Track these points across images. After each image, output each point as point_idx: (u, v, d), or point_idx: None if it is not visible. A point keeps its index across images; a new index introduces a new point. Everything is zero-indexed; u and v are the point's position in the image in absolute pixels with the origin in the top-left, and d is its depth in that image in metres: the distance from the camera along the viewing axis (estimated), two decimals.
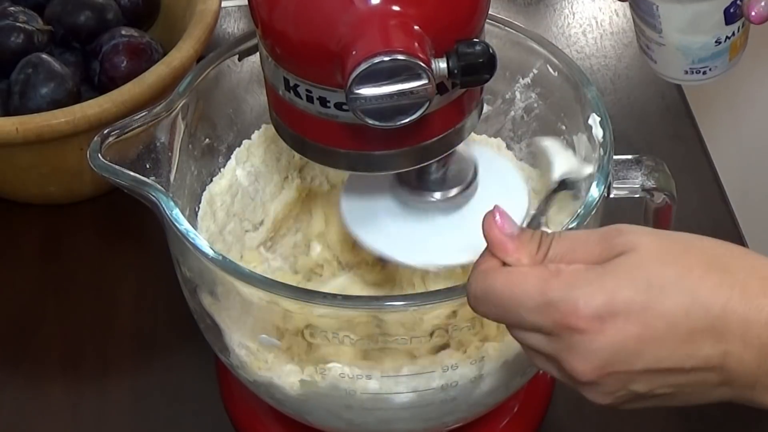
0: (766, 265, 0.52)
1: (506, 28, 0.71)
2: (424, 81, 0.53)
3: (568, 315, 0.50)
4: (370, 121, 0.54)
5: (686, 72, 0.73)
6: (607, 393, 0.52)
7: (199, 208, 0.72)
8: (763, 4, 0.69)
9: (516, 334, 0.53)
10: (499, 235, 0.53)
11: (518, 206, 0.65)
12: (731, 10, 0.69)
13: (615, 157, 0.65)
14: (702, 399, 0.53)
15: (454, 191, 0.63)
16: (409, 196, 0.64)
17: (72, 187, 0.88)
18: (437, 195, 0.63)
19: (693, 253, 0.51)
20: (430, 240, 0.64)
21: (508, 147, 0.76)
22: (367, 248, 0.65)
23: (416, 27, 0.54)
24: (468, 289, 0.54)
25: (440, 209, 0.64)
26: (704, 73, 0.73)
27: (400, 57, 0.52)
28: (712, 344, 0.50)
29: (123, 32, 0.90)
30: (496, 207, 0.54)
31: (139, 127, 0.65)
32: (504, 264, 0.53)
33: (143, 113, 0.66)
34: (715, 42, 0.71)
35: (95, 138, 0.64)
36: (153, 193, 0.63)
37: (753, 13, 0.69)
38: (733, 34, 0.71)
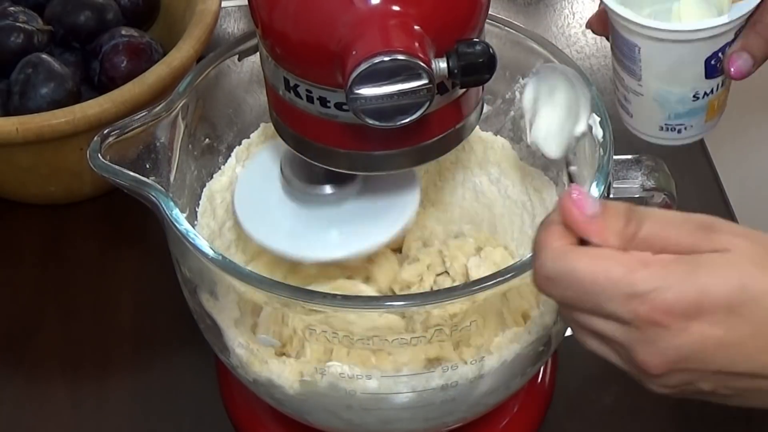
0: None
1: (506, 28, 0.71)
2: (425, 81, 0.53)
3: (655, 310, 0.48)
4: (371, 121, 0.54)
5: (661, 128, 0.72)
6: (671, 386, 0.51)
7: (199, 207, 0.72)
8: (743, 59, 0.67)
9: (583, 319, 0.51)
10: (579, 216, 0.50)
11: (407, 203, 0.65)
12: (712, 62, 0.68)
13: (615, 157, 0.65)
14: (760, 403, 0.52)
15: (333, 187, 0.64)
16: (298, 189, 0.64)
17: (72, 188, 0.88)
18: (326, 188, 0.64)
19: None
20: (313, 233, 0.65)
21: None
22: (257, 243, 0.65)
23: (416, 27, 0.54)
24: (539, 267, 0.51)
25: (328, 202, 0.64)
26: (679, 131, 0.72)
27: (400, 57, 0.52)
28: None
29: (123, 32, 0.90)
30: (572, 186, 0.52)
31: (139, 127, 0.65)
32: (582, 242, 0.51)
33: (143, 113, 0.66)
34: (693, 96, 0.70)
35: (95, 138, 0.64)
36: (153, 193, 0.63)
37: (732, 69, 0.67)
38: (712, 91, 0.70)
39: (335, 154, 0.58)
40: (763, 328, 0.49)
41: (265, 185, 0.66)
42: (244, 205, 0.67)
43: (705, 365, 0.50)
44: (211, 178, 0.73)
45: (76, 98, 0.86)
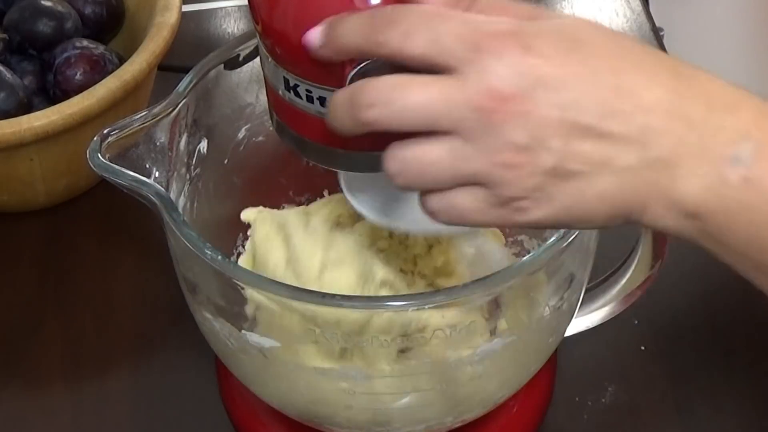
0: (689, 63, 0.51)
1: None
2: None
3: (492, 25, 0.48)
4: None
5: None
6: (516, 146, 0.48)
7: (198, 206, 0.72)
8: None
9: (406, 83, 0.49)
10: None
11: None
12: None
13: None
14: (611, 184, 0.49)
15: None
16: None
17: (25, 198, 0.88)
18: None
19: (625, 35, 0.51)
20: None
21: None
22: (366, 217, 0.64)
23: None
24: (383, 9, 0.50)
25: None
26: None
27: None
28: (633, 108, 0.48)
29: (77, 44, 0.89)
30: None
31: (138, 126, 0.65)
32: None
33: (143, 113, 0.66)
34: None
35: (95, 138, 0.64)
36: (153, 193, 0.63)
37: None
38: None
39: (335, 154, 0.58)
40: (600, 73, 0.48)
41: None
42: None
43: (550, 101, 0.47)
44: (211, 177, 0.73)
45: (26, 109, 0.85)
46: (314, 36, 0.53)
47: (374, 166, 0.59)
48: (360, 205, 0.64)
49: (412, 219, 0.62)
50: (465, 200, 0.50)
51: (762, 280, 0.51)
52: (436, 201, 0.51)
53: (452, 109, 0.48)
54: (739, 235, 0.49)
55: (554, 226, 0.53)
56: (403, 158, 0.50)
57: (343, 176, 0.65)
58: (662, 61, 0.50)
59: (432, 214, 0.52)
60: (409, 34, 0.49)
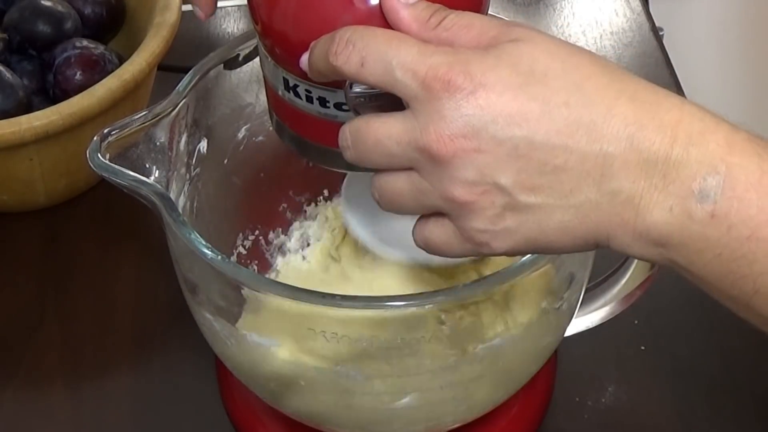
0: (662, 90, 0.49)
1: None
2: None
3: (443, 66, 0.48)
4: None
5: None
6: (468, 183, 0.49)
7: (198, 206, 0.72)
8: None
9: (369, 118, 0.51)
10: (393, 2, 0.51)
11: None
12: None
13: None
14: (574, 217, 0.49)
15: None
16: None
17: (24, 198, 0.88)
18: None
19: (586, 56, 0.48)
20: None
21: None
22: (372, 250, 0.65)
23: None
24: (341, 33, 0.51)
25: None
26: None
27: None
28: (590, 142, 0.47)
29: (76, 44, 0.89)
30: None
31: (138, 126, 0.65)
32: None
33: (143, 113, 0.66)
34: None
35: (95, 138, 0.64)
36: (153, 193, 0.63)
37: None
38: None
39: (335, 154, 0.58)
40: (555, 108, 0.47)
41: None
42: (354, 205, 0.66)
43: (497, 142, 0.48)
44: (211, 177, 0.73)
45: (26, 109, 0.86)
46: (302, 62, 0.54)
47: None
48: (358, 231, 0.64)
49: (407, 247, 0.62)
50: (435, 232, 0.52)
51: (737, 310, 0.50)
52: (416, 232, 0.53)
53: (404, 150, 0.50)
54: (709, 267, 0.49)
55: (524, 254, 0.54)
56: (379, 186, 0.53)
57: (343, 203, 0.65)
58: (625, 87, 0.48)
59: (417, 243, 0.54)
60: (364, 62, 0.50)
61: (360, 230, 0.65)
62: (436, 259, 0.58)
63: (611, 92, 0.48)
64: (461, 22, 0.50)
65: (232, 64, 0.72)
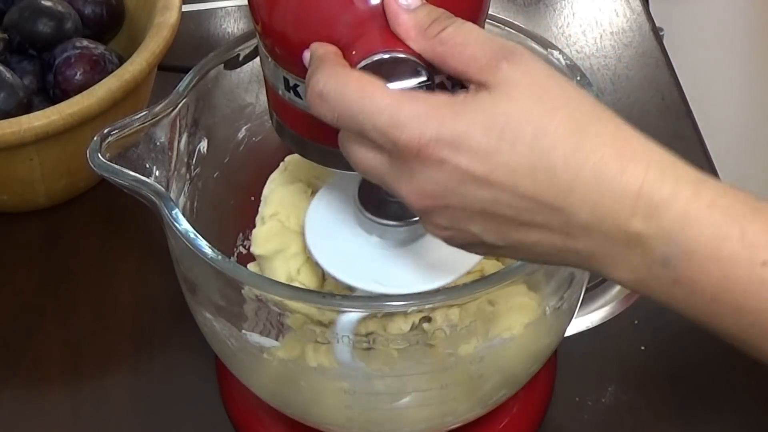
0: (632, 143, 0.49)
1: (506, 28, 0.71)
2: (424, 78, 0.53)
3: (414, 138, 0.49)
4: None
5: None
6: (443, 227, 0.52)
7: (198, 206, 0.72)
8: None
9: (350, 147, 0.52)
10: (395, 6, 0.52)
11: None
12: None
13: None
14: (554, 261, 0.52)
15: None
16: (372, 221, 0.63)
17: (25, 198, 0.88)
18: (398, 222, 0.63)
19: (561, 113, 0.49)
20: (386, 267, 0.64)
21: None
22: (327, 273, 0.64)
23: None
24: (313, 84, 0.51)
25: (402, 236, 0.64)
26: None
27: (399, 55, 0.52)
28: (552, 210, 0.49)
29: (76, 44, 0.89)
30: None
31: (138, 126, 0.65)
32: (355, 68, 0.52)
33: (143, 113, 0.66)
34: None
35: (95, 138, 0.64)
36: (153, 193, 0.63)
37: None
38: None
39: (335, 154, 0.58)
40: (520, 177, 0.49)
41: (338, 214, 0.66)
42: (315, 231, 0.66)
43: (466, 202, 0.50)
44: (211, 177, 0.73)
45: (26, 109, 0.86)
46: (305, 57, 0.55)
47: None
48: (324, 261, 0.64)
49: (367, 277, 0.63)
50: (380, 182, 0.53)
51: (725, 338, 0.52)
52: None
53: (387, 184, 0.52)
54: (680, 312, 0.51)
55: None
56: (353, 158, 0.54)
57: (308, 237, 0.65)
58: (591, 151, 0.49)
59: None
60: (339, 119, 0.51)
61: (321, 257, 0.65)
62: (399, 288, 0.61)
63: (576, 161, 0.48)
64: (457, 39, 0.51)
65: (232, 63, 0.72)
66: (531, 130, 0.49)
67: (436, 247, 0.61)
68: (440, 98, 0.50)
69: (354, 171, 0.56)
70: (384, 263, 0.64)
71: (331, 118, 0.52)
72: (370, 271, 0.63)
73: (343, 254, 0.64)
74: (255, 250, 0.69)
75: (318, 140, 0.59)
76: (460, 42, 0.51)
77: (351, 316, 0.60)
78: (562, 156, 0.48)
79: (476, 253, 0.54)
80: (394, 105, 0.50)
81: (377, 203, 0.63)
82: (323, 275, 0.69)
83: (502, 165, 0.49)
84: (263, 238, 0.69)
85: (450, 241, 0.53)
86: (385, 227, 0.63)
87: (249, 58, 0.72)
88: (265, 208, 0.70)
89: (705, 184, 0.49)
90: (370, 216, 0.63)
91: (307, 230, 0.65)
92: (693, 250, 0.48)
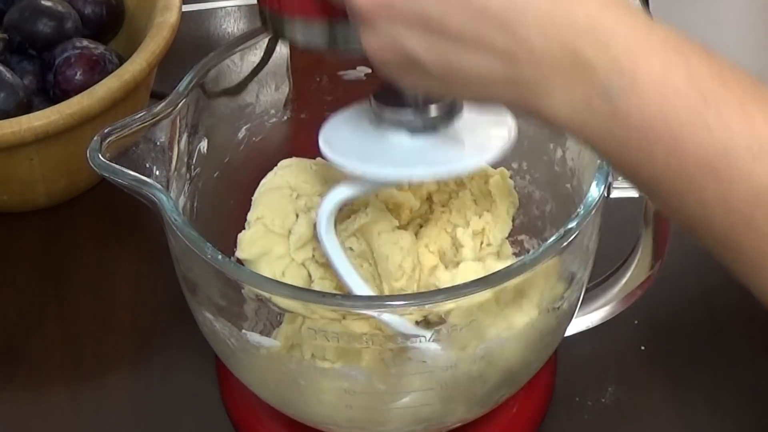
0: None
1: None
2: None
3: None
4: None
5: None
6: (380, 38, 0.50)
7: (198, 206, 0.72)
8: None
9: None
10: None
11: (500, 136, 0.63)
12: None
13: None
14: (486, 93, 0.50)
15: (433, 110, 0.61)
16: (386, 113, 0.62)
17: (25, 198, 0.88)
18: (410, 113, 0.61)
19: None
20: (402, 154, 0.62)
21: None
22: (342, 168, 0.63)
23: None
24: None
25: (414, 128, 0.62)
26: None
27: None
28: (503, 28, 0.47)
29: (76, 44, 0.89)
30: None
31: (138, 126, 0.66)
32: None
33: (143, 113, 0.66)
34: None
35: (95, 137, 0.64)
36: (153, 193, 0.63)
37: None
38: None
39: (315, 26, 0.58)
40: None
41: (353, 122, 0.65)
42: (328, 134, 0.65)
43: (413, 7, 0.48)
44: (211, 177, 0.74)
45: (26, 109, 0.86)
46: None
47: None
48: (339, 158, 0.63)
49: (391, 163, 0.61)
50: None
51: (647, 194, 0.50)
52: None
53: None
54: (608, 153, 0.49)
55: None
56: None
57: (322, 136, 0.64)
58: None
59: None
60: None
61: (341, 159, 0.63)
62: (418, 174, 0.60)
63: None
64: None
65: (231, 63, 0.72)
66: None
67: (456, 135, 0.61)
68: None
69: (338, 46, 0.55)
70: (404, 151, 0.62)
71: None
72: (390, 158, 0.61)
73: (359, 149, 0.63)
74: (240, 254, 0.69)
75: (294, 14, 0.58)
76: None
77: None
78: None
79: (409, 82, 0.52)
80: None
81: (393, 98, 0.61)
82: (309, 275, 0.69)
83: None
84: (247, 242, 0.69)
85: (384, 64, 0.51)
86: (402, 118, 0.61)
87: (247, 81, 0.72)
88: (252, 212, 0.70)
89: (658, 24, 0.47)
90: (387, 109, 0.61)
91: (321, 142, 0.64)
92: (636, 81, 0.46)
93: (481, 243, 0.71)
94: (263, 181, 0.72)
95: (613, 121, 0.47)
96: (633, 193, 0.66)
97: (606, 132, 0.48)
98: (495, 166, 0.73)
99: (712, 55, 0.47)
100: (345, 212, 0.69)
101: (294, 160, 0.73)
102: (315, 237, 0.67)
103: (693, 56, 0.47)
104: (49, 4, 0.91)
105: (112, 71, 0.85)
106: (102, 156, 0.64)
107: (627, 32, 0.47)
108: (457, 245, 0.71)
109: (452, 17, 0.47)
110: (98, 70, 0.87)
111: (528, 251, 0.77)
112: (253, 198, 0.72)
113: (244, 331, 0.65)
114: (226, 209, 0.75)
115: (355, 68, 0.76)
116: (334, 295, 0.61)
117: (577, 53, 0.47)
